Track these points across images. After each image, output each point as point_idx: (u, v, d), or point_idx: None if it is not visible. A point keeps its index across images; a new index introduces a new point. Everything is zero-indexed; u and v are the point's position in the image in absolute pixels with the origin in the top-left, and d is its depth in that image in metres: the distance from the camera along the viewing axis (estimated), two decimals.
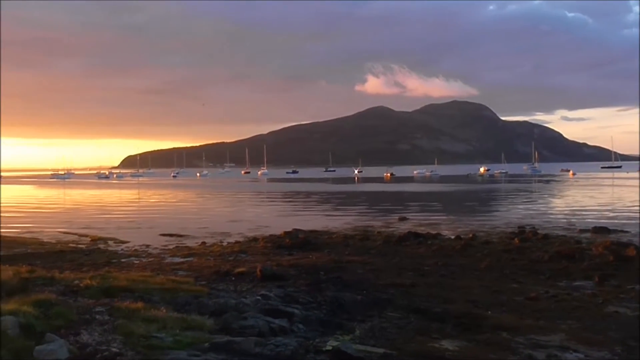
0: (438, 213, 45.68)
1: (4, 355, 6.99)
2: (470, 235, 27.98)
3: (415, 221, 38.12)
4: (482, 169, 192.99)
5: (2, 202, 70.57)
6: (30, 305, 9.30)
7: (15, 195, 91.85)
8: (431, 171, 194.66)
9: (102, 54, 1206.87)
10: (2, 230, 34.45)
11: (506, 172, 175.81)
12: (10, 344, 7.43)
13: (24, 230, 34.83)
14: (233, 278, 16.55)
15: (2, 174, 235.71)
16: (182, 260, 21.76)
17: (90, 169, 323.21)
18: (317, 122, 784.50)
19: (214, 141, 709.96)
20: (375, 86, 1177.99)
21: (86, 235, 31.82)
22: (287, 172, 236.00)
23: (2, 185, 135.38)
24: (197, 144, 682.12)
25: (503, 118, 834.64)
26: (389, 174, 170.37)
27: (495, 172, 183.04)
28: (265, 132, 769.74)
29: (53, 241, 29.37)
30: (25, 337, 7.92)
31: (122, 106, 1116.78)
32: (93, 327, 8.97)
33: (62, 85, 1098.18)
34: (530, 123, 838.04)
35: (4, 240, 28.68)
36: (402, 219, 39.31)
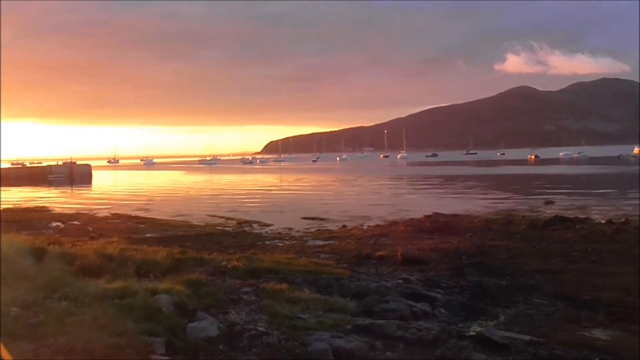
0: (587, 196, 43.46)
1: (159, 331, 7.38)
2: (623, 220, 26.42)
3: (562, 205, 36.52)
4: (635, 150, 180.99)
5: (155, 187, 74.99)
6: (183, 285, 9.81)
7: (166, 180, 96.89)
8: (579, 153, 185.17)
9: (241, 44, 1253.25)
10: (155, 214, 36.51)
11: None
12: (165, 320, 7.84)
13: (175, 214, 36.55)
14: (374, 261, 16.64)
15: (154, 160, 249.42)
16: (323, 243, 22.10)
17: (235, 155, 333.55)
18: (456, 104, 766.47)
19: (353, 126, 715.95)
20: (516, 65, 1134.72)
21: (232, 219, 32.98)
22: (427, 156, 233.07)
23: (155, 171, 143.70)
24: (336, 129, 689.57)
25: None
26: (533, 156, 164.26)
27: None
28: (403, 115, 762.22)
29: (202, 224, 30.72)
30: (179, 314, 8.34)
31: (263, 93, 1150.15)
32: (240, 307, 9.32)
33: (206, 75, 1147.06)
34: None
35: (157, 223, 30.46)
36: (548, 203, 37.82)
